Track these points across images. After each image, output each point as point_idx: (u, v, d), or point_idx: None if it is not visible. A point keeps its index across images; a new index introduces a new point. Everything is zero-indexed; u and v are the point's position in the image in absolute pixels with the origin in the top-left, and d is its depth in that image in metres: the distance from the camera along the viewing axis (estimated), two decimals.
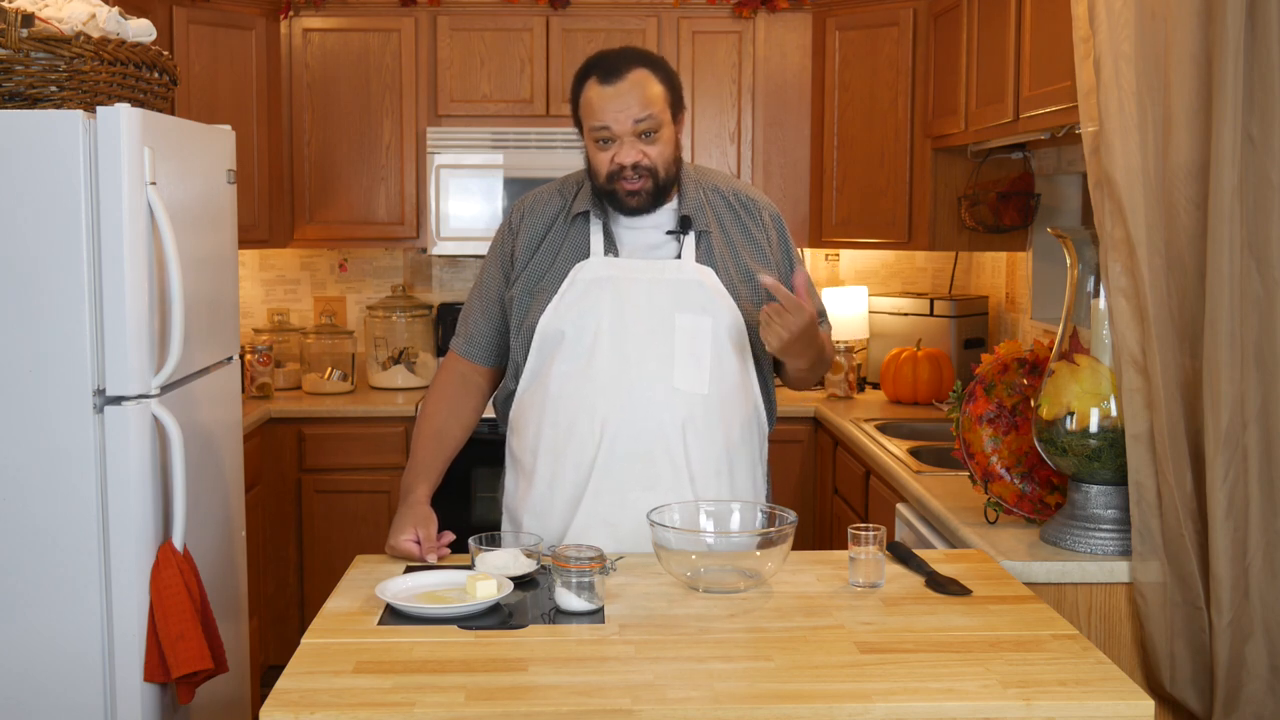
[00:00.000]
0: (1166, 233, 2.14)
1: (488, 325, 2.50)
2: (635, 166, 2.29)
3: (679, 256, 2.37)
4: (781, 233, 2.49)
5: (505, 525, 2.47)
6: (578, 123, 2.37)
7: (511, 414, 2.46)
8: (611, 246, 2.38)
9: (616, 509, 2.30)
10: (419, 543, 2.23)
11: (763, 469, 2.49)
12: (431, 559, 2.21)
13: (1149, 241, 2.13)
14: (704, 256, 2.38)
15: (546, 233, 2.43)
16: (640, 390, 2.31)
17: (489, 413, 2.56)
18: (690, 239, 2.38)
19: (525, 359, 2.39)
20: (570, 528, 2.33)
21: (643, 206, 2.34)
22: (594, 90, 2.30)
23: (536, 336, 2.36)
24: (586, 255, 2.38)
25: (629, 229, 2.39)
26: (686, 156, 2.44)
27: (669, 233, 2.39)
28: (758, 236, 2.44)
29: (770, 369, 2.49)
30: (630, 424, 2.31)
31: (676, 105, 2.35)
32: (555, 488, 2.35)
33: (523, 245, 2.44)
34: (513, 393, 2.45)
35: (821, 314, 2.51)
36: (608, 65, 2.31)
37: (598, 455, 2.31)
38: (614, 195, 2.34)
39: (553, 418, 2.35)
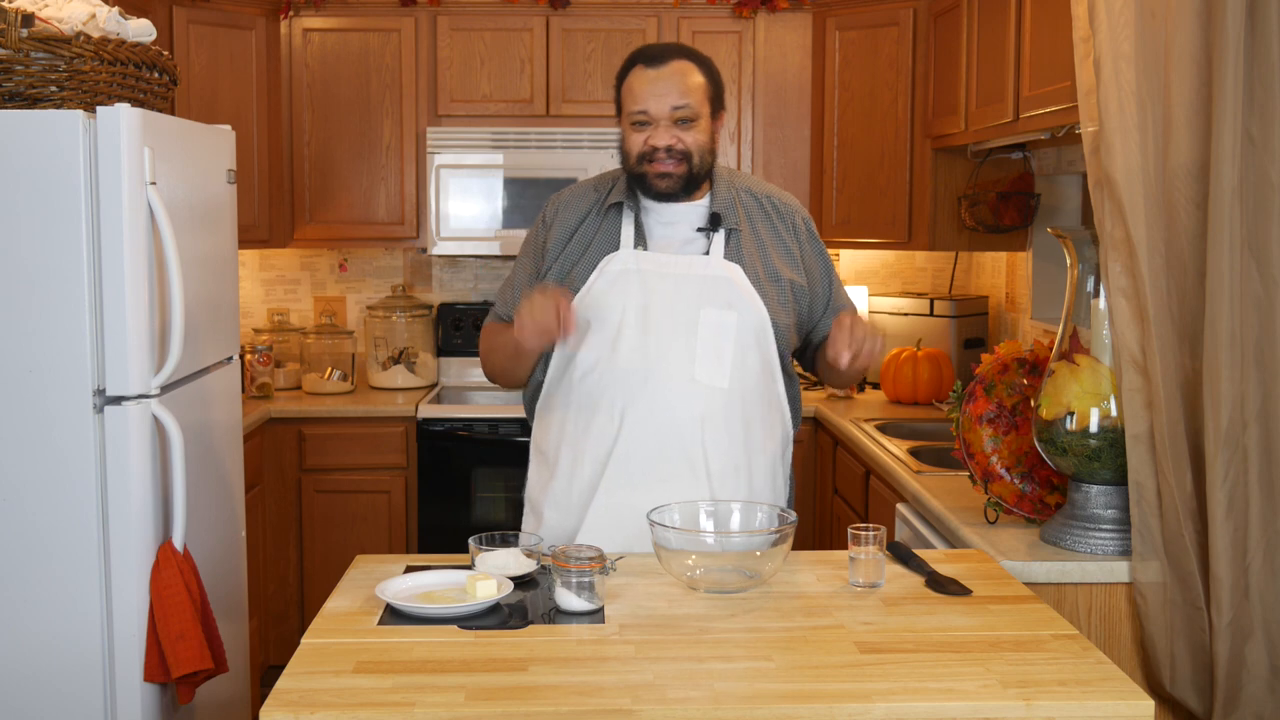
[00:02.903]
0: (1166, 233, 2.14)
1: None
2: (669, 150, 2.32)
3: (707, 253, 2.39)
4: (812, 235, 2.51)
5: (526, 516, 2.49)
6: (619, 109, 2.41)
7: (538, 405, 2.48)
8: (641, 239, 2.40)
9: (631, 502, 2.29)
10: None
11: (784, 471, 2.49)
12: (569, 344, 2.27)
13: (1149, 241, 2.13)
14: (733, 254, 2.40)
15: (579, 225, 2.45)
16: (659, 382, 2.32)
17: (491, 413, 2.56)
18: (719, 236, 2.39)
19: (552, 348, 2.40)
20: (586, 519, 2.34)
21: (671, 191, 2.36)
22: (637, 75, 2.35)
23: None
24: (616, 247, 2.40)
25: (660, 224, 2.41)
26: None
27: (699, 229, 2.40)
28: (788, 239, 2.46)
29: (794, 372, 2.50)
30: (648, 416, 2.32)
31: (716, 101, 2.39)
32: (574, 479, 2.37)
33: (555, 238, 2.46)
34: (540, 384, 2.47)
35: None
36: (653, 53, 2.37)
37: (615, 447, 2.32)
38: (643, 178, 2.36)
39: (575, 408, 2.37)
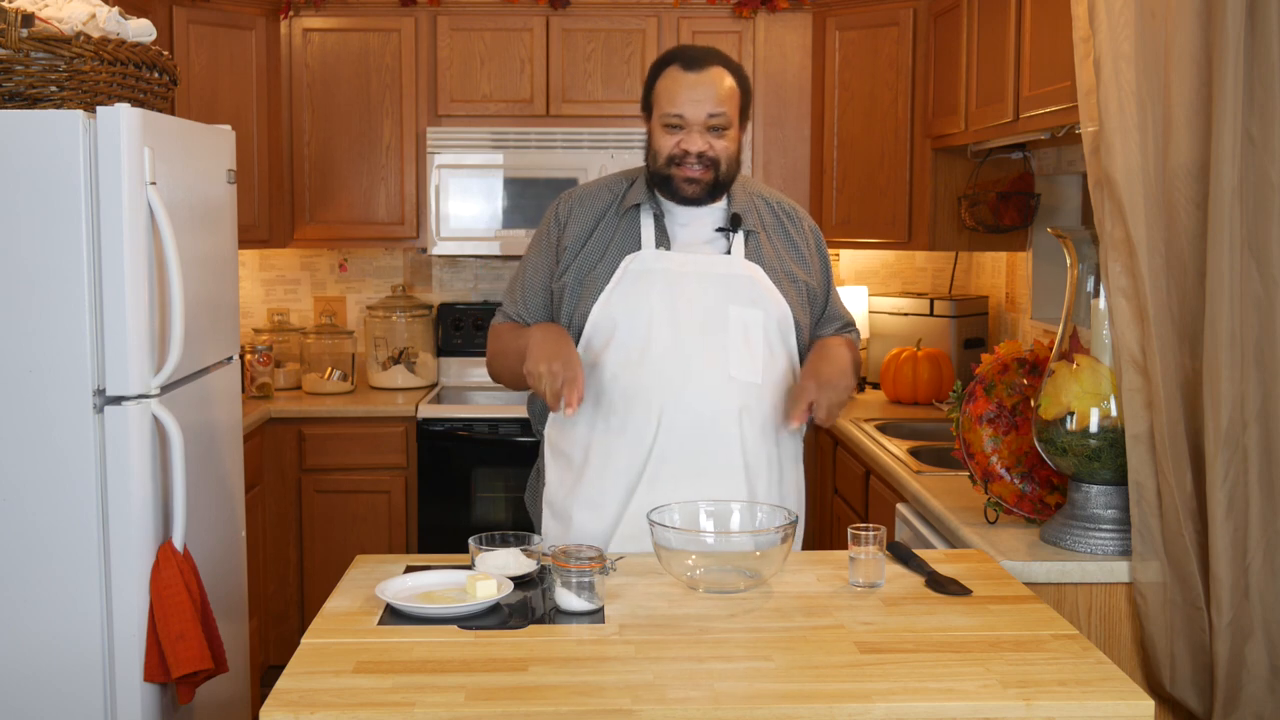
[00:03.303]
0: (1166, 233, 2.14)
1: (541, 299, 2.49)
2: (700, 156, 2.33)
3: (728, 253, 2.40)
4: (819, 243, 2.54)
5: (547, 521, 2.46)
6: (646, 108, 2.41)
7: None
8: (664, 240, 2.41)
9: (671, 498, 2.28)
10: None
11: (802, 464, 2.52)
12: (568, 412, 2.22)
13: (1149, 241, 2.13)
14: (752, 255, 2.42)
15: (596, 225, 2.45)
16: (697, 379, 2.34)
17: (491, 413, 2.56)
18: (739, 237, 2.41)
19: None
20: (624, 517, 2.34)
21: (697, 197, 2.37)
22: (673, 76, 2.34)
23: (588, 327, 2.38)
24: (638, 247, 2.40)
25: (679, 225, 2.42)
26: None
27: (719, 229, 2.42)
28: (800, 244, 2.49)
29: None
30: (687, 412, 2.33)
31: (745, 112, 2.39)
32: (608, 477, 2.36)
33: (572, 236, 2.45)
34: None
35: (850, 324, 2.59)
36: (691, 56, 2.36)
37: (655, 444, 2.33)
38: (669, 180, 2.36)
39: (607, 407, 2.37)
